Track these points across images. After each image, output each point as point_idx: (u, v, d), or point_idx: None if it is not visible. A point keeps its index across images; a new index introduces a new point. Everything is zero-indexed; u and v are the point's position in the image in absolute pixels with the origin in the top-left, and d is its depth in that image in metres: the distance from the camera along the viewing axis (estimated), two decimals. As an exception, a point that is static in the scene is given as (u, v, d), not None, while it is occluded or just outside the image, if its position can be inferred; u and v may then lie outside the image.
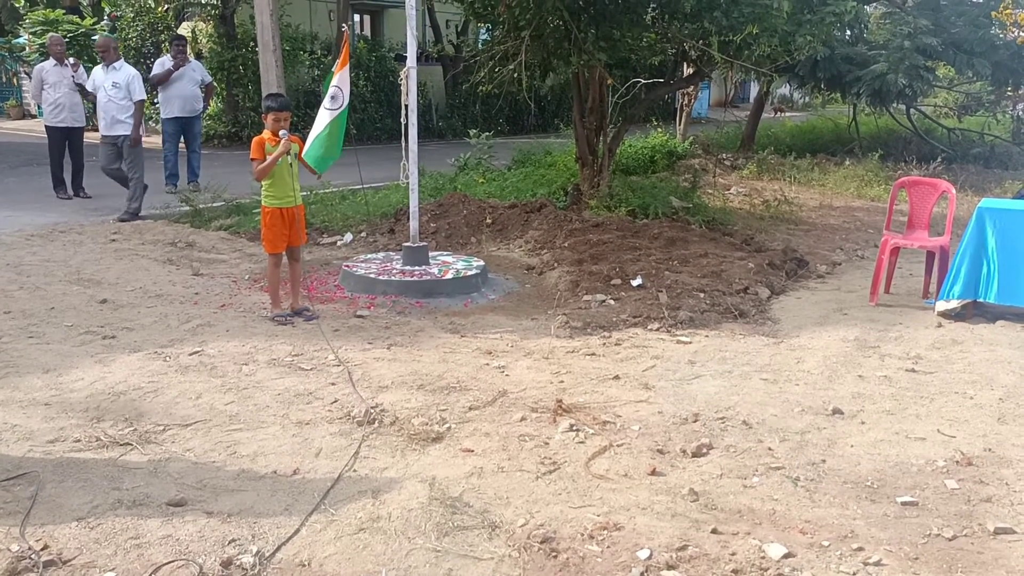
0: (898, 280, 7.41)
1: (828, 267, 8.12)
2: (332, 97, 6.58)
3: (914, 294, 7.12)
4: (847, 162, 14.59)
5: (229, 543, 3.19)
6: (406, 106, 6.91)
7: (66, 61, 10.39)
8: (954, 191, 7.12)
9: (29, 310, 6.01)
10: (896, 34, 13.65)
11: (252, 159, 5.83)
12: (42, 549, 3.11)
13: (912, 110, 16.28)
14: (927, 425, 4.49)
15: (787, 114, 24.87)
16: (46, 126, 10.55)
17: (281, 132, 5.74)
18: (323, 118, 6.58)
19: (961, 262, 6.35)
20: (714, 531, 3.39)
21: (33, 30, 19.39)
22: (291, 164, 5.89)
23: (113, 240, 8.31)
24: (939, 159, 13.65)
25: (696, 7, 7.90)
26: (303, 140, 6.28)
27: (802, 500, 3.67)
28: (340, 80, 6.61)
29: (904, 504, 3.65)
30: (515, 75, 8.77)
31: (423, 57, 20.65)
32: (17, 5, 23.24)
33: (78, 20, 19.87)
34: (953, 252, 6.55)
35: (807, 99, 25.03)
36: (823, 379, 5.14)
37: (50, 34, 13.13)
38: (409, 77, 6.87)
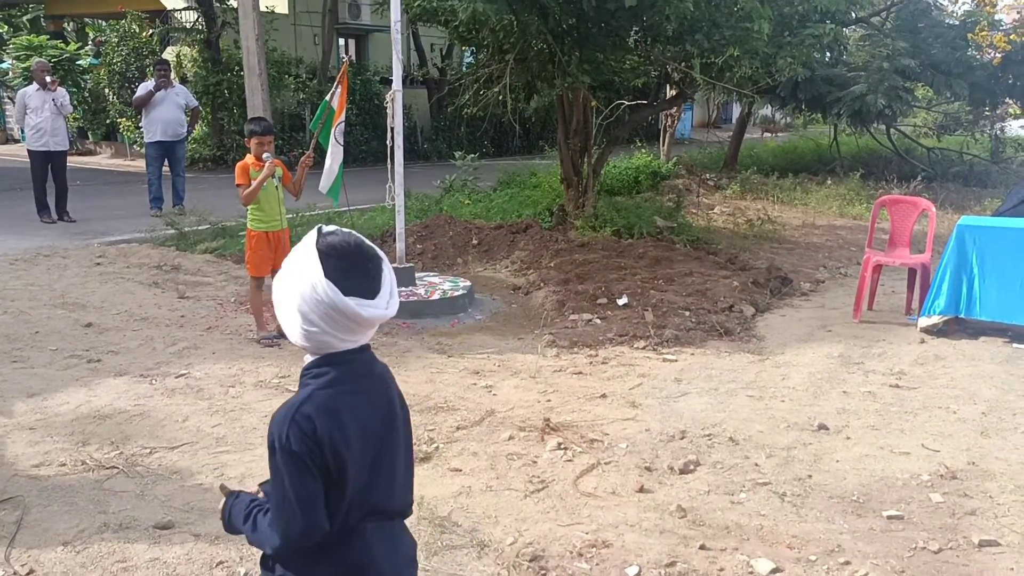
0: (881, 297, 7.48)
1: (812, 285, 8.18)
2: (342, 132, 6.70)
3: (897, 311, 7.19)
4: (829, 181, 14.75)
5: (217, 565, 3.18)
6: (392, 129, 6.96)
7: (49, 86, 10.38)
8: (934, 209, 7.22)
9: (13, 334, 5.98)
10: (875, 56, 13.86)
11: (237, 184, 5.85)
12: (28, 574, 3.09)
13: (892, 130, 16.49)
14: (911, 440, 4.53)
15: (775, 135, 25.15)
16: (28, 150, 10.52)
17: (265, 156, 5.76)
18: (338, 154, 6.67)
19: (943, 279, 6.43)
20: (702, 547, 3.40)
21: (17, 55, 19.38)
22: (276, 187, 5.90)
23: (98, 264, 8.28)
24: (919, 178, 13.82)
25: (678, 30, 8.00)
26: (287, 165, 6.31)
27: (789, 515, 3.70)
28: (339, 109, 6.67)
29: (890, 518, 3.68)
30: (500, 98, 8.86)
31: (408, 80, 20.74)
32: (1, 31, 23.24)
33: (63, 45, 19.88)
34: (934, 269, 6.63)
35: (789, 120, 25.32)
36: (808, 395, 5.18)
37: (35, 59, 13.14)
38: (395, 100, 6.92)
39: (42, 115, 10.29)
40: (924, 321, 6.50)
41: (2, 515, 3.52)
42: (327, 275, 1.68)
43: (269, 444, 1.70)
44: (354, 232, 1.80)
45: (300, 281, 1.70)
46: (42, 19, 22.54)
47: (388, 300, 1.76)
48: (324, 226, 1.79)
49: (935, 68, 13.73)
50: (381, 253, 1.80)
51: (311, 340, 1.73)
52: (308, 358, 1.78)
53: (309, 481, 1.68)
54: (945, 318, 6.40)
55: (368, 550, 1.77)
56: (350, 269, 1.71)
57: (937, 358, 5.93)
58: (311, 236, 1.75)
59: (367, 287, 1.72)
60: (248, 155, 5.91)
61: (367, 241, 1.79)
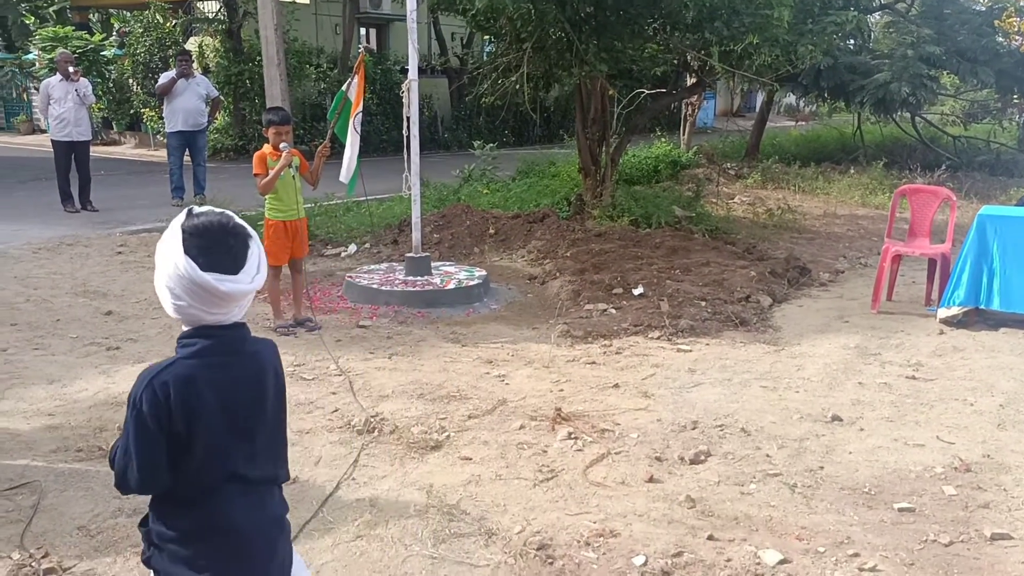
0: (900, 288, 7.41)
1: (831, 275, 8.12)
2: (360, 122, 6.70)
3: (916, 302, 7.12)
4: (852, 170, 14.60)
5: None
6: (408, 118, 6.97)
7: (72, 77, 10.49)
8: (955, 198, 7.13)
9: (35, 322, 6.07)
10: (900, 43, 13.68)
11: (255, 174, 5.89)
12: (43, 557, 3.15)
13: (917, 118, 16.28)
14: (926, 432, 4.49)
15: (803, 123, 24.88)
16: (52, 140, 10.66)
17: (282, 145, 5.79)
18: (355, 144, 6.68)
19: (962, 269, 6.35)
20: (710, 537, 3.40)
21: (43, 46, 19.58)
22: (294, 177, 5.94)
23: (119, 253, 8.38)
24: (943, 167, 13.64)
25: (697, 18, 7.94)
26: (306, 155, 6.35)
27: (799, 507, 3.68)
28: (357, 100, 6.67)
29: (901, 510, 3.65)
30: (518, 87, 8.83)
31: (428, 69, 20.78)
32: (28, 22, 23.49)
33: (87, 36, 20.07)
34: (955, 259, 6.55)
35: (813, 108, 25.07)
36: (823, 386, 5.14)
37: (59, 50, 13.27)
38: (411, 89, 6.93)
39: (65, 105, 10.41)
40: (943, 312, 6.43)
41: (19, 499, 3.58)
42: (187, 252, 1.82)
43: (128, 398, 1.85)
44: (226, 212, 1.92)
45: (166, 259, 1.84)
46: (68, 10, 22.74)
47: (253, 276, 1.88)
48: (195, 207, 1.92)
49: (961, 55, 13.53)
50: (250, 232, 1.93)
51: (181, 313, 1.87)
52: (184, 328, 1.91)
53: (150, 442, 1.82)
54: (965, 309, 6.33)
55: (226, 510, 1.90)
56: (210, 247, 1.84)
57: (956, 349, 5.87)
58: (179, 217, 1.89)
59: (228, 264, 1.85)
60: (266, 145, 5.95)
61: (237, 220, 1.91)
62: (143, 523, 1.98)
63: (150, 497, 1.95)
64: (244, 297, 1.89)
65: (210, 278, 1.81)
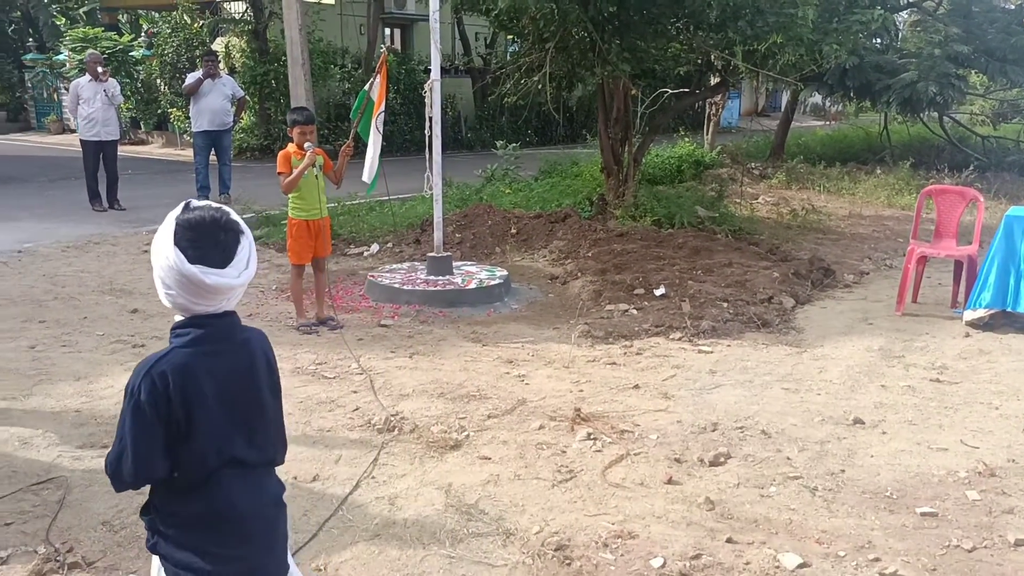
0: (926, 289, 7.33)
1: (855, 276, 8.05)
2: (383, 122, 6.72)
3: (942, 304, 7.04)
4: (878, 171, 14.45)
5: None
6: (430, 118, 7.00)
7: (101, 77, 10.63)
8: (982, 199, 7.04)
9: (63, 319, 6.17)
10: (927, 42, 13.53)
11: (279, 173, 5.94)
12: (68, 551, 3.20)
13: (945, 118, 16.08)
14: (950, 435, 4.44)
15: (831, 123, 24.65)
16: (80, 140, 10.81)
17: (306, 145, 5.84)
18: (378, 143, 6.70)
19: (989, 271, 6.27)
20: (729, 540, 3.39)
21: (73, 47, 19.85)
22: (317, 176, 5.98)
23: (145, 251, 8.47)
24: (972, 167, 13.47)
25: (720, 17, 7.90)
26: (330, 154, 6.39)
27: (819, 510, 3.66)
28: (379, 99, 6.69)
29: (923, 515, 3.62)
30: (540, 86, 8.84)
31: (452, 69, 20.83)
32: (58, 23, 23.82)
33: (116, 37, 20.32)
34: (981, 261, 6.47)
35: (840, 107, 24.84)
36: (845, 389, 5.10)
37: (89, 51, 13.45)
38: (433, 89, 6.96)
39: (94, 105, 10.55)
40: (969, 314, 6.35)
41: (45, 494, 3.64)
42: (177, 244, 1.88)
43: (125, 389, 1.91)
44: (223, 208, 1.98)
45: (159, 250, 1.92)
46: (98, 11, 23.03)
47: (241, 271, 1.94)
48: (193, 201, 1.99)
49: (990, 54, 13.35)
50: (243, 228, 1.98)
51: (171, 302, 1.94)
52: (177, 317, 1.98)
53: (147, 432, 1.87)
54: (991, 311, 6.25)
55: (226, 494, 1.96)
56: (200, 240, 1.90)
57: (981, 352, 5.80)
58: (175, 210, 1.96)
59: (216, 257, 1.90)
60: (290, 144, 6.00)
61: (231, 216, 1.97)
62: (144, 511, 2.03)
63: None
64: (232, 290, 1.94)
65: (196, 270, 1.87)
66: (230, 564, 1.99)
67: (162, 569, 2.01)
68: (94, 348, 5.60)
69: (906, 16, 16.23)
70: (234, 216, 1.99)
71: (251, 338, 2.07)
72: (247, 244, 1.97)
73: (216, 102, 11.10)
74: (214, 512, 1.96)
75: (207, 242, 1.91)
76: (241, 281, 1.95)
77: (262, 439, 2.05)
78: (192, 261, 1.88)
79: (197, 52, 17.44)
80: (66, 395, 4.77)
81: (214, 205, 1.98)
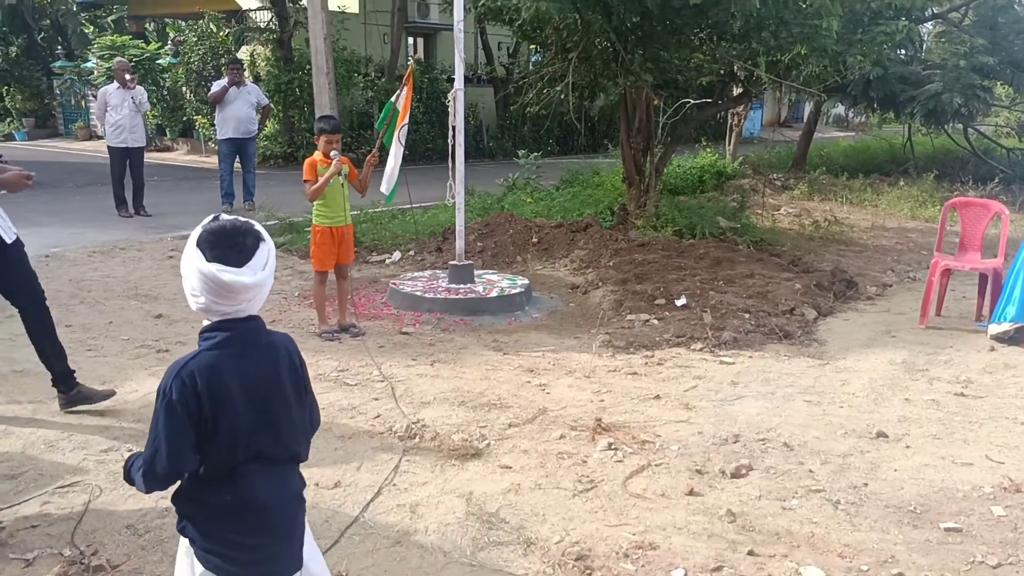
0: (950, 303, 7.27)
1: (878, 289, 7.99)
2: (405, 134, 6.77)
3: (966, 317, 6.98)
4: (901, 183, 14.36)
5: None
6: (454, 127, 7.03)
7: (128, 84, 10.77)
8: (1007, 212, 6.98)
9: (88, 324, 6.24)
10: (952, 53, 13.44)
11: (305, 180, 5.99)
12: (92, 554, 3.24)
13: (970, 130, 15.95)
14: (975, 450, 4.40)
15: (858, 132, 24.48)
16: (108, 146, 10.95)
17: (332, 153, 5.89)
18: (399, 155, 6.75)
19: (1015, 285, 6.22)
20: (750, 552, 3.37)
21: (101, 54, 20.13)
22: (342, 184, 6.03)
23: (170, 257, 8.57)
24: (996, 179, 13.34)
25: (744, 28, 7.89)
26: (353, 162, 6.44)
27: (842, 524, 3.64)
28: (404, 111, 6.73)
29: (947, 530, 3.59)
30: (563, 96, 8.86)
31: (475, 78, 20.91)
32: (87, 31, 24.16)
33: (143, 45, 20.59)
34: (1006, 274, 6.41)
35: (863, 118, 24.69)
36: (868, 402, 5.07)
37: (117, 59, 13.63)
38: (456, 99, 7.00)
39: (121, 112, 10.69)
40: (994, 328, 6.29)
41: (71, 496, 3.69)
42: (198, 246, 2.02)
43: (157, 391, 2.04)
44: (249, 221, 2.10)
45: (186, 256, 2.06)
46: (125, 20, 23.36)
47: (257, 271, 2.04)
48: (223, 215, 2.11)
49: (1016, 66, 13.24)
50: (264, 236, 2.10)
51: (196, 304, 2.06)
52: (205, 322, 2.11)
53: (179, 429, 2.00)
54: (1017, 325, 6.18)
55: (250, 487, 2.08)
56: (220, 241, 2.03)
57: (1007, 367, 5.75)
58: (206, 220, 2.10)
59: (234, 257, 2.02)
60: (317, 152, 6.06)
61: (255, 226, 2.09)
62: (175, 497, 2.16)
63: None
64: (248, 290, 2.04)
65: (214, 268, 1.99)
66: (252, 552, 2.12)
67: (190, 550, 2.14)
68: (119, 352, 5.67)
69: (930, 27, 16.10)
70: (258, 226, 2.11)
71: (275, 341, 2.18)
72: (266, 249, 2.09)
73: (241, 110, 11.22)
74: (239, 502, 2.08)
75: (227, 244, 2.03)
76: (256, 280, 2.04)
77: (287, 436, 2.16)
78: (211, 260, 2.00)
79: (223, 60, 17.63)
80: (92, 399, 4.82)
81: (242, 219, 2.10)
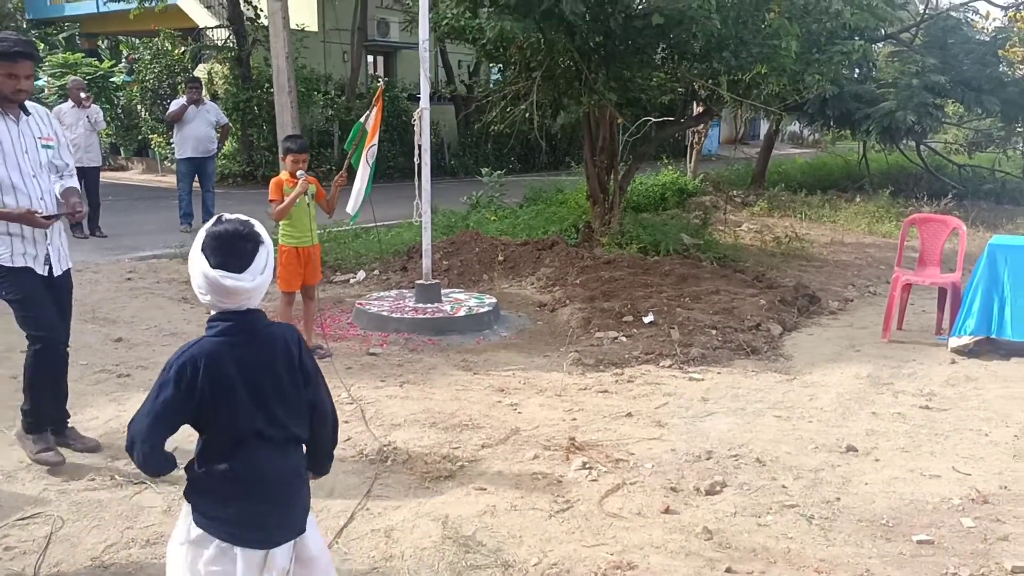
0: (911, 316, 7.40)
1: (840, 303, 8.11)
2: (373, 155, 6.70)
3: (927, 331, 7.11)
4: (858, 199, 14.65)
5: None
6: (419, 145, 7.01)
7: (83, 103, 10.58)
8: (964, 228, 7.14)
9: (46, 348, 6.06)
10: (904, 72, 13.77)
11: (271, 200, 5.91)
12: (57, 588, 3.13)
13: (922, 147, 16.34)
14: (942, 463, 4.46)
15: (820, 150, 24.94)
16: (64, 166, 10.71)
17: (299, 173, 5.83)
18: (366, 175, 6.68)
19: (973, 298, 6.35)
20: (728, 570, 3.37)
21: (53, 72, 19.77)
22: (308, 204, 5.96)
23: (128, 279, 8.40)
24: (950, 195, 13.67)
25: (705, 47, 8.01)
26: (319, 180, 6.38)
27: (817, 538, 3.65)
28: (372, 132, 6.68)
29: (920, 542, 3.62)
30: (527, 114, 8.89)
31: (435, 97, 20.91)
32: (38, 49, 23.71)
33: (97, 63, 20.26)
34: (965, 288, 6.54)
35: (817, 136, 25.18)
36: (836, 416, 5.12)
37: (72, 77, 13.41)
38: (422, 117, 6.97)
39: (76, 132, 10.49)
40: (955, 341, 6.41)
41: (32, 528, 3.56)
42: (203, 251, 2.24)
43: (163, 366, 2.27)
44: (249, 221, 2.30)
45: (193, 257, 2.27)
46: (77, 37, 22.99)
47: (256, 276, 2.26)
48: (226, 215, 2.31)
49: (965, 84, 13.61)
50: (263, 239, 2.30)
51: (202, 298, 2.29)
52: (212, 312, 2.33)
53: (169, 402, 2.22)
54: (976, 338, 6.31)
55: (252, 458, 2.29)
56: (222, 248, 2.23)
57: (968, 379, 5.85)
58: (210, 222, 2.30)
59: (235, 264, 2.23)
60: (283, 171, 5.99)
61: (253, 229, 2.29)
62: (188, 466, 2.35)
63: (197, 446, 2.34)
64: (248, 292, 2.26)
65: (217, 274, 2.21)
66: (254, 519, 2.30)
67: (189, 515, 2.33)
68: (78, 378, 5.50)
69: (880, 47, 16.50)
70: (257, 227, 2.30)
71: (275, 331, 2.38)
72: (265, 253, 2.29)
73: (200, 129, 11.07)
74: (241, 472, 2.28)
75: (228, 250, 2.24)
76: (256, 284, 2.27)
77: (284, 419, 2.34)
78: (214, 266, 2.22)
79: (179, 78, 17.45)
80: (51, 426, 4.67)
81: (242, 218, 2.30)
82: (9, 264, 4.01)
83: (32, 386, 4.18)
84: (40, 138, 4.18)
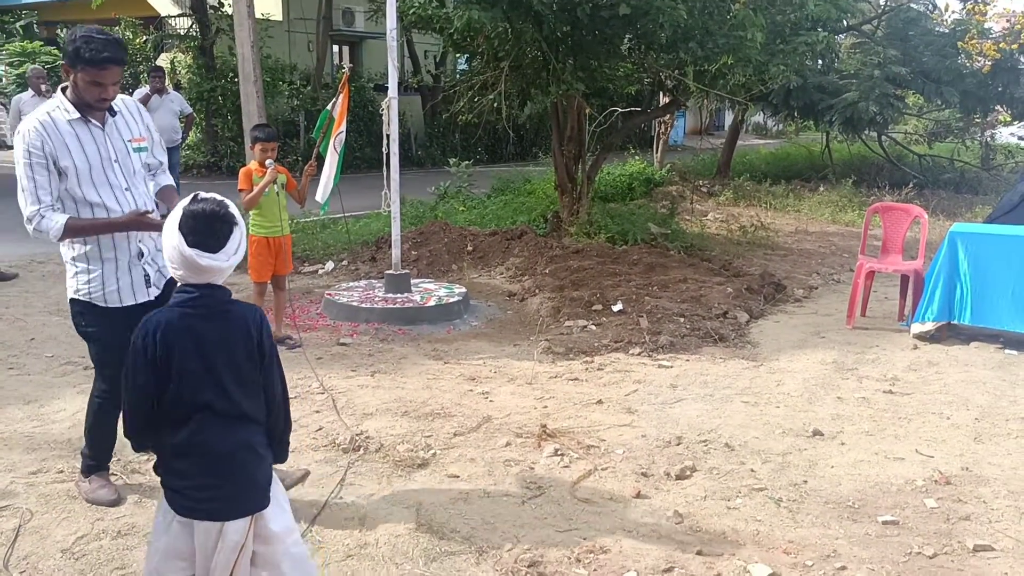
0: (873, 303, 7.53)
1: (805, 291, 8.23)
2: (341, 142, 6.66)
3: (890, 317, 7.24)
4: (821, 188, 14.84)
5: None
6: (388, 136, 6.98)
7: (44, 93, 10.36)
8: (926, 216, 7.27)
9: (9, 341, 5.98)
10: (866, 64, 13.96)
11: (240, 190, 5.86)
12: (27, 581, 3.09)
13: (884, 137, 16.59)
14: (905, 445, 4.56)
15: (786, 140, 25.19)
16: (23, 157, 10.50)
17: (268, 162, 5.78)
18: (334, 163, 6.64)
19: (935, 285, 6.48)
20: (699, 552, 3.42)
21: (10, 61, 19.37)
22: (278, 193, 5.92)
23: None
24: (911, 184, 13.90)
25: (671, 38, 8.05)
26: (288, 169, 6.34)
27: (785, 521, 3.72)
28: (339, 119, 6.63)
29: (885, 523, 3.71)
30: (495, 104, 8.89)
31: (402, 87, 20.81)
32: (-6, 37, 23.20)
33: (56, 52, 19.86)
34: (926, 275, 6.67)
35: (781, 126, 25.45)
36: (803, 401, 5.21)
37: (31, 66, 13.13)
38: (390, 107, 6.95)
39: (36, 121, 10.27)
40: (917, 327, 6.54)
41: (1, 522, 3.52)
42: (180, 229, 2.34)
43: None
44: (224, 202, 2.40)
45: (168, 232, 2.38)
46: (35, 25, 22.52)
47: (230, 256, 2.39)
48: (201, 193, 2.42)
49: (926, 76, 13.83)
50: (237, 220, 2.40)
51: (174, 272, 2.42)
52: (180, 283, 2.45)
53: (140, 368, 2.37)
54: (938, 324, 6.45)
55: (200, 430, 2.39)
56: (198, 227, 2.34)
57: (930, 364, 5.98)
58: (185, 200, 2.40)
59: (211, 243, 2.35)
60: (252, 161, 5.94)
61: (228, 210, 2.39)
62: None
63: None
64: (219, 271, 2.38)
65: (193, 253, 2.32)
66: (204, 491, 2.39)
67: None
68: (44, 371, 5.44)
69: (843, 39, 16.71)
70: (231, 209, 2.40)
71: (236, 310, 2.47)
72: (238, 234, 2.40)
73: (165, 119, 10.89)
74: (191, 444, 2.39)
75: (205, 230, 2.33)
76: (229, 264, 2.39)
77: (236, 395, 2.42)
78: (190, 245, 2.32)
79: (140, 68, 17.16)
80: (16, 419, 4.62)
81: (217, 198, 2.38)
82: (103, 304, 3.48)
83: (93, 430, 3.72)
84: (131, 140, 3.56)
